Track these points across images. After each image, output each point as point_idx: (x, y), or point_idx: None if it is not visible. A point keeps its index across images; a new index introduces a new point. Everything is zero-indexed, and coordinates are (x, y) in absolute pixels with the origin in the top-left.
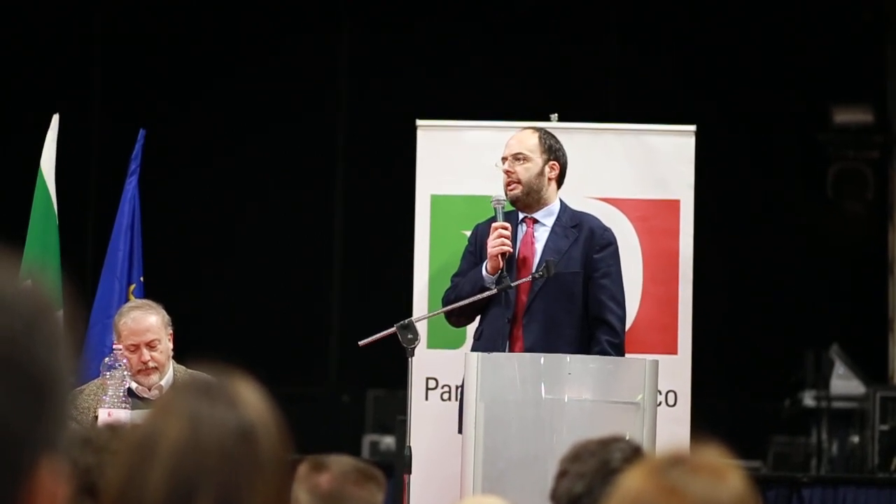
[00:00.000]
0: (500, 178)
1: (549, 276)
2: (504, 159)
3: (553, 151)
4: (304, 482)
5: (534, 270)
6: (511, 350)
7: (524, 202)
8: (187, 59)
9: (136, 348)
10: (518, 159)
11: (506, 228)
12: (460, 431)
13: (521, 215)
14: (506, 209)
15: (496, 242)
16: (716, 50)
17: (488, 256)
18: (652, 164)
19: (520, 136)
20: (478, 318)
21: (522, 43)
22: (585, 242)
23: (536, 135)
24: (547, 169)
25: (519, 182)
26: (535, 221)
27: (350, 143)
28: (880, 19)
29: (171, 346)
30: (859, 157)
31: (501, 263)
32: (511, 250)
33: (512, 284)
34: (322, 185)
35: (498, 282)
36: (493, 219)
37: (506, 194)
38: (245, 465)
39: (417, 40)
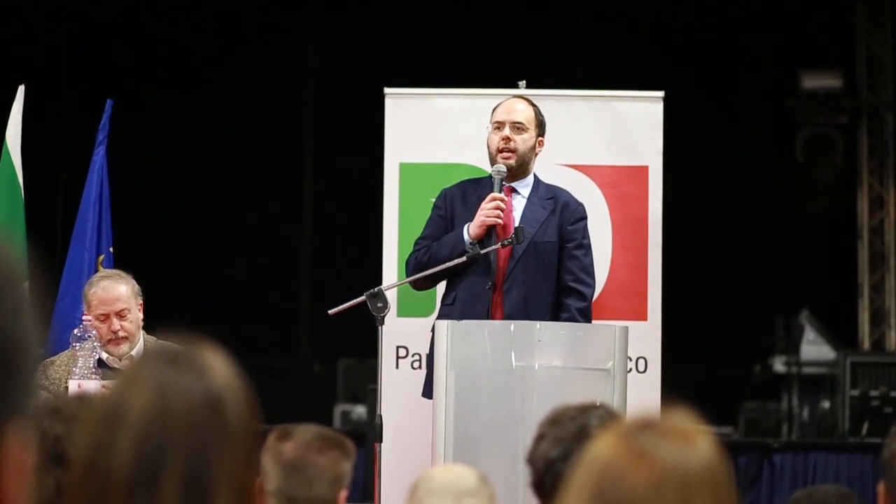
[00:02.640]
0: (469, 146)
1: (519, 243)
2: (500, 125)
3: (543, 127)
4: (269, 451)
5: (504, 238)
6: (491, 316)
7: (513, 172)
8: (154, 29)
9: (105, 318)
10: (518, 129)
11: (503, 201)
12: (425, 395)
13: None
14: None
15: (492, 213)
16: (685, 16)
17: (479, 224)
18: (620, 130)
19: (516, 105)
20: (444, 283)
21: (490, 9)
22: (561, 214)
23: (532, 108)
24: (537, 144)
25: (516, 152)
26: (514, 191)
27: (319, 113)
28: None
29: (141, 316)
30: (828, 122)
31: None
32: (501, 223)
33: (481, 251)
34: (292, 154)
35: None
36: (467, 182)
37: (492, 160)
38: (213, 434)
39: (385, 8)
